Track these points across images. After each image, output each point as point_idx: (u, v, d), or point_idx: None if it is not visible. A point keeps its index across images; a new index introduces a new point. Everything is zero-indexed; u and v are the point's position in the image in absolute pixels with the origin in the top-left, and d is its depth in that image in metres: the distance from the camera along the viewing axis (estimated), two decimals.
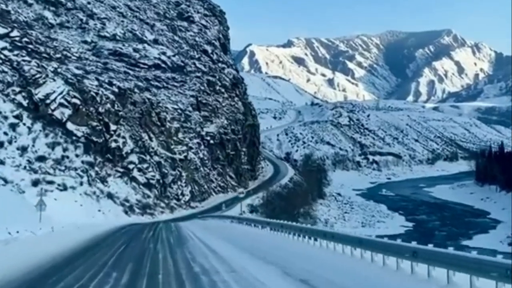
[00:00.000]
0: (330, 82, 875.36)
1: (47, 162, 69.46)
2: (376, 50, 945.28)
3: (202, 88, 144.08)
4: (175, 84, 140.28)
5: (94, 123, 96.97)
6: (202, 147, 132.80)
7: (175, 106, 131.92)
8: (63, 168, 71.59)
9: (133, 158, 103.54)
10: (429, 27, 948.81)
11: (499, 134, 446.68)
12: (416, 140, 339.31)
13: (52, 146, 75.76)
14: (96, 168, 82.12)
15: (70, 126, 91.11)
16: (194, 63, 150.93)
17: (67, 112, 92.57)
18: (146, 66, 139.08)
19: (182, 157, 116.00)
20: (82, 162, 78.89)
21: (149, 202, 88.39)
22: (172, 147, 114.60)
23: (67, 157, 76.00)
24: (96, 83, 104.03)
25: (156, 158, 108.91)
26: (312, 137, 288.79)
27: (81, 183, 67.47)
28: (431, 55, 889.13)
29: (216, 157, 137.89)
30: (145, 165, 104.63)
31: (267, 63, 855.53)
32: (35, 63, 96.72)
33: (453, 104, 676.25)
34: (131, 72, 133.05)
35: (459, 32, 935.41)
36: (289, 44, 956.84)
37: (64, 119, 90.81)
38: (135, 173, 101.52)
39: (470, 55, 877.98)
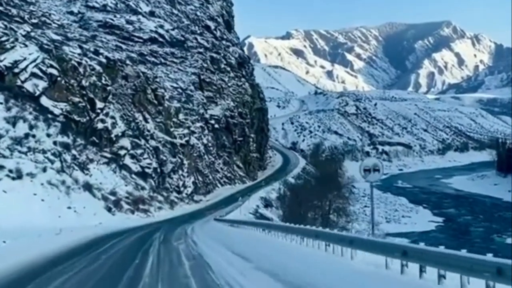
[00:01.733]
0: (329, 74, 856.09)
1: (1, 141, 49.69)
2: (375, 42, 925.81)
3: (205, 65, 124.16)
4: (175, 60, 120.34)
5: (76, 99, 77.61)
6: (206, 131, 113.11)
7: (175, 85, 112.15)
8: (25, 150, 51.82)
9: (125, 142, 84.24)
10: (429, 19, 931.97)
11: (506, 124, 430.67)
12: (425, 130, 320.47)
13: (13, 121, 55.96)
14: (74, 152, 62.35)
15: (45, 101, 71.32)
16: (196, 38, 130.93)
17: (42, 84, 72.63)
18: (141, 40, 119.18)
19: (183, 142, 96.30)
20: (55, 143, 59.09)
21: (143, 195, 68.76)
22: (171, 130, 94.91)
23: (33, 136, 56.24)
24: (79, 51, 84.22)
25: (153, 143, 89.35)
26: (319, 126, 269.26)
27: (45, 169, 47.66)
28: (430, 46, 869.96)
29: (221, 144, 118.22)
30: (139, 151, 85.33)
31: (265, 55, 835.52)
32: (1, 24, 76.67)
33: (454, 96, 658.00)
34: (124, 46, 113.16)
35: (459, 24, 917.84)
36: (287, 36, 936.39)
37: (38, 93, 70.97)
38: (127, 160, 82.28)
39: (470, 47, 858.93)
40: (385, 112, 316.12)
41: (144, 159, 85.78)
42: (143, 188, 71.84)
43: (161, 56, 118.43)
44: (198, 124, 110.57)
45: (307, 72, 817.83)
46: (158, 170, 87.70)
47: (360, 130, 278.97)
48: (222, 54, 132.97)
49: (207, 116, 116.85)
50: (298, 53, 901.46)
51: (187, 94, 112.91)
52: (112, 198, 53.01)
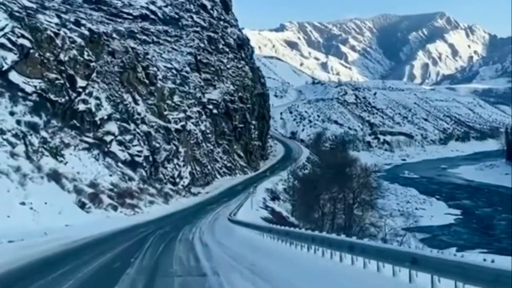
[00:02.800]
0: (324, 66, 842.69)
1: None
2: (369, 33, 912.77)
3: (202, 45, 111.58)
4: (168, 39, 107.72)
5: (52, 75, 65.26)
6: (204, 117, 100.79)
7: (169, 65, 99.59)
8: None
9: (112, 127, 72.21)
10: (422, 10, 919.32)
11: (504, 114, 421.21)
12: (426, 120, 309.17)
13: None
14: (45, 134, 49.87)
15: (15, 77, 58.92)
16: (192, 17, 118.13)
17: (11, 57, 60.00)
18: (130, 17, 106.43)
19: (178, 127, 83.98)
20: (19, 122, 46.66)
21: (131, 187, 56.34)
22: (165, 113, 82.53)
23: None
24: (56, 20, 71.43)
25: (144, 128, 77.15)
26: (318, 116, 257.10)
27: None
28: (424, 38, 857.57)
29: (221, 131, 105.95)
30: (128, 137, 73.35)
31: (259, 48, 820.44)
32: None
33: (449, 87, 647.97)
34: (112, 24, 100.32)
35: (453, 15, 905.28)
36: (281, 28, 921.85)
37: (6, 67, 58.43)
38: (114, 147, 70.31)
39: (464, 38, 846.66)
40: (385, 101, 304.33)
41: (134, 146, 73.68)
42: (131, 179, 59.50)
43: (153, 34, 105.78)
44: (195, 109, 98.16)
45: (301, 64, 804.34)
46: (150, 158, 75.58)
47: (360, 120, 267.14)
48: (220, 34, 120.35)
49: (204, 100, 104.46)
50: (292, 45, 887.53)
51: (182, 76, 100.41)
52: (89, 190, 40.56)
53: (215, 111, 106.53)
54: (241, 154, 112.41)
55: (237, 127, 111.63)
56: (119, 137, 71.96)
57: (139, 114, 77.90)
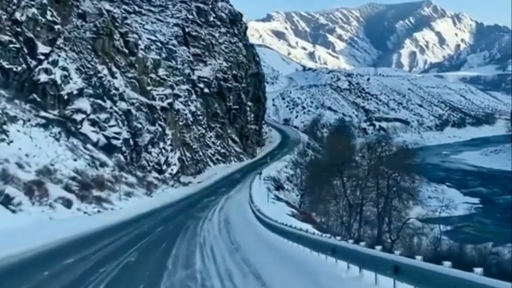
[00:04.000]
0: (311, 56, 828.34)
1: None
2: (356, 23, 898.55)
3: (191, 17, 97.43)
4: (152, 9, 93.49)
5: (5, 38, 51.86)
6: (194, 96, 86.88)
7: (153, 37, 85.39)
8: None
9: (83, 103, 58.79)
10: None
11: (496, 100, 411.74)
12: (420, 106, 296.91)
13: None
14: None
15: None
16: None
17: None
18: None
19: (165, 104, 70.07)
20: None
21: (103, 175, 42.49)
22: (148, 88, 68.56)
23: None
24: None
25: (123, 105, 63.48)
26: (312, 102, 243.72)
27: None
28: (411, 26, 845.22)
29: (213, 113, 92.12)
30: (103, 116, 59.68)
31: None
32: None
33: (437, 74, 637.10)
34: None
35: (439, 3, 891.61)
36: (268, 18, 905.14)
37: None
38: (86, 127, 56.68)
39: (451, 26, 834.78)
40: (378, 87, 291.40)
41: (111, 126, 60.09)
42: (103, 165, 45.56)
43: (134, 3, 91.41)
44: (183, 87, 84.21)
45: (289, 54, 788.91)
46: (131, 141, 61.89)
47: (355, 106, 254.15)
48: (210, 6, 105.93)
49: (194, 77, 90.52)
50: (279, 35, 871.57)
51: (168, 50, 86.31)
52: (29, 178, 26.62)
53: (206, 90, 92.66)
54: (236, 139, 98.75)
55: (231, 108, 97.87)
56: (92, 116, 58.36)
57: (116, 89, 63.93)
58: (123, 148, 59.57)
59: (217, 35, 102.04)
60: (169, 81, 73.74)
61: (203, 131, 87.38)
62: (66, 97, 56.40)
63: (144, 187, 46.48)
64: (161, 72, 72.35)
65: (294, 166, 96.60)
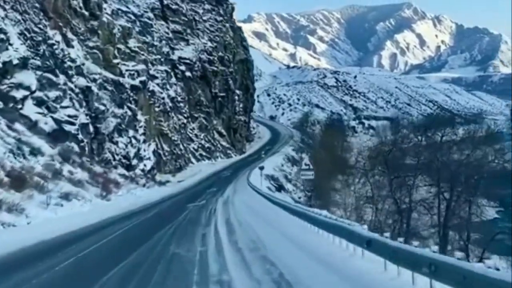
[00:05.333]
0: (292, 57, 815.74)
1: None
2: (337, 24, 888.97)
3: None
4: None
5: None
6: (174, 79, 71.57)
7: (124, 8, 69.62)
8: None
9: (26, 77, 43.31)
10: (390, 1, 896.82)
11: (481, 100, 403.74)
12: (409, 104, 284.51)
13: None
14: None
15: None
16: None
17: None
18: None
19: (136, 83, 54.68)
20: None
21: (33, 168, 27.06)
22: (115, 62, 53.18)
23: None
24: None
25: (81, 82, 48.23)
26: (298, 99, 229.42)
27: None
28: (392, 28, 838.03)
29: (196, 100, 77.00)
30: (53, 93, 44.48)
31: None
32: None
33: (418, 76, 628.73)
34: None
35: (419, 5, 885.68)
36: (249, 19, 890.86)
37: None
38: (29, 107, 41.48)
39: (431, 28, 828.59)
40: (366, 85, 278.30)
41: (63, 107, 44.75)
42: (36, 153, 30.09)
43: None
44: (161, 68, 68.95)
45: (270, 55, 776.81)
46: (90, 128, 46.52)
47: (343, 104, 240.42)
48: None
49: (174, 58, 75.32)
50: (260, 36, 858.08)
51: (143, 23, 70.88)
52: None
53: (188, 73, 77.59)
54: (223, 131, 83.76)
55: (217, 96, 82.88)
56: (39, 94, 43.05)
57: (73, 60, 48.55)
58: (80, 136, 44.26)
59: (200, 11, 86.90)
60: (142, 54, 58.47)
61: (185, 120, 72.25)
62: (1, 66, 41.09)
63: (99, 187, 31.25)
64: (133, 43, 57.10)
65: (291, 164, 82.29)
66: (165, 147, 61.93)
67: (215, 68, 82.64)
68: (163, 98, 63.17)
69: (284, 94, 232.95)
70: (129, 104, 51.88)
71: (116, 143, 48.68)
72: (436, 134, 51.60)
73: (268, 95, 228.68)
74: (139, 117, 53.72)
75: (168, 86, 68.77)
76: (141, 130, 53.42)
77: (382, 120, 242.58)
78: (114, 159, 47.96)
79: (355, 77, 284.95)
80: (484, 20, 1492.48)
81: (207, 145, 78.05)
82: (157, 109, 60.99)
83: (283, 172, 73.65)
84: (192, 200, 32.72)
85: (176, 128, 67.68)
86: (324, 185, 62.65)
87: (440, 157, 38.76)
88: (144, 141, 53.85)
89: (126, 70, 53.75)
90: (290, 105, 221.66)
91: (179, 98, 72.00)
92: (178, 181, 56.28)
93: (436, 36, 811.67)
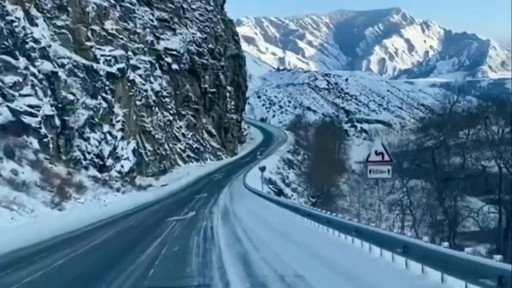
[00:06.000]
0: (281, 61, 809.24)
1: None
2: (326, 29, 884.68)
3: None
4: None
5: None
6: (159, 72, 63.56)
7: None
8: None
9: None
10: (378, 6, 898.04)
11: (471, 104, 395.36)
12: (400, 108, 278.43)
13: None
14: None
15: None
16: None
17: None
18: None
19: (114, 70, 46.57)
20: None
21: None
22: (88, 45, 45.09)
23: None
24: None
25: (46, 66, 40.12)
26: (289, 101, 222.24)
27: None
28: (380, 33, 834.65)
29: (184, 96, 69.17)
30: (10, 78, 36.39)
31: None
32: None
33: (407, 80, 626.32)
34: None
35: (408, 11, 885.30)
36: (238, 23, 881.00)
37: None
38: None
39: (419, 33, 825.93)
40: (357, 87, 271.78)
41: (23, 96, 36.95)
42: None
43: None
44: (145, 58, 60.91)
45: (259, 59, 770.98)
46: (56, 120, 38.49)
47: (334, 106, 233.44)
48: None
49: (159, 48, 67.36)
50: (249, 40, 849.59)
51: (124, 8, 62.68)
52: None
53: (175, 66, 69.69)
54: (213, 131, 75.90)
55: (207, 91, 75.02)
56: None
57: (37, 41, 40.64)
58: (43, 130, 36.32)
59: None
60: (122, 39, 50.47)
61: (171, 118, 64.33)
62: None
63: (54, 192, 23.31)
64: (110, 24, 49.02)
65: (288, 167, 74.68)
66: (148, 146, 53.93)
67: (205, 61, 74.80)
68: (145, 91, 55.19)
69: (275, 96, 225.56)
70: (104, 95, 43.86)
71: (87, 139, 40.69)
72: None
73: (259, 97, 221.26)
74: (117, 110, 45.74)
75: (152, 79, 60.80)
76: (118, 125, 45.42)
77: (374, 123, 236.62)
78: (85, 159, 39.99)
79: (346, 79, 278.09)
80: (473, 25, 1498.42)
81: (195, 145, 70.12)
82: (138, 102, 52.99)
83: (280, 175, 66.08)
84: (176, 211, 24.54)
85: (161, 125, 59.71)
86: (327, 190, 55.35)
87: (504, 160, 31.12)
88: (122, 138, 45.87)
89: (102, 55, 45.75)
90: (281, 107, 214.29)
91: (164, 93, 64.06)
92: (162, 185, 48.37)
93: (425, 41, 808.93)
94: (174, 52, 70.08)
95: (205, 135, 74.16)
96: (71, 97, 40.30)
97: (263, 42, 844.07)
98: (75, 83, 41.66)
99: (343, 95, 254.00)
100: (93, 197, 28.33)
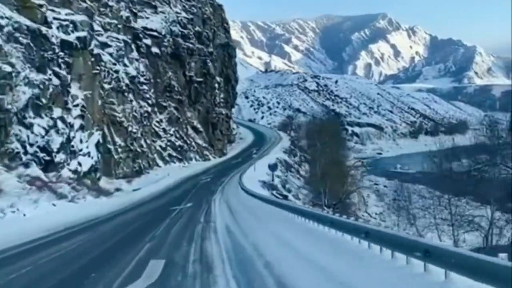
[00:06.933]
0: (267, 65, 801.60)
1: None
2: (312, 33, 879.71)
3: None
4: None
5: None
6: (135, 54, 52.52)
7: None
8: None
9: None
10: (365, 11, 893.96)
11: (460, 110, 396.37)
12: (391, 111, 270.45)
13: None
14: None
15: None
16: None
17: None
18: None
19: (72, 39, 35.18)
20: None
21: None
22: (36, 3, 33.75)
23: None
24: None
25: None
26: (278, 103, 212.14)
27: None
28: (367, 38, 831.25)
29: (165, 84, 58.15)
30: None
31: None
32: None
33: (393, 86, 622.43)
34: None
35: (394, 16, 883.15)
36: None
37: None
38: None
39: (405, 39, 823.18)
40: (348, 90, 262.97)
41: None
42: None
43: None
44: (118, 36, 49.85)
45: (245, 62, 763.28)
46: None
47: (325, 109, 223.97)
48: None
49: (137, 27, 56.33)
50: (235, 44, 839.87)
51: None
52: None
53: (155, 50, 58.74)
54: (199, 127, 64.91)
55: (192, 81, 64.13)
56: None
57: None
58: None
59: None
60: (84, 1, 39.39)
61: (149, 109, 53.33)
62: None
63: None
64: None
65: (286, 169, 64.09)
66: (119, 140, 42.91)
67: (191, 45, 63.91)
68: (116, 72, 44.18)
69: (263, 97, 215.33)
70: (56, 69, 32.81)
71: (29, 126, 29.65)
72: None
73: (246, 97, 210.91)
74: (75, 90, 34.72)
75: (126, 61, 49.80)
76: (76, 111, 34.39)
77: (365, 126, 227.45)
78: (26, 153, 28.89)
79: (336, 82, 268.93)
80: (458, 32, 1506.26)
81: (178, 142, 59.14)
82: (107, 85, 41.98)
83: (279, 178, 55.38)
84: (127, 247, 12.86)
85: (136, 117, 48.71)
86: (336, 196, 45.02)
87: None
88: (82, 128, 34.84)
89: (55, 19, 34.72)
90: (269, 108, 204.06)
91: (142, 79, 53.07)
92: (134, 189, 37.38)
93: (411, 47, 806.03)
94: (155, 33, 59.17)
95: (190, 131, 63.17)
96: (8, 68, 29.23)
97: (249, 46, 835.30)
98: (15, 51, 30.61)
99: (333, 97, 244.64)
100: (9, 207, 17.50)
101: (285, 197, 37.75)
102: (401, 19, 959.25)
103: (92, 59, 37.66)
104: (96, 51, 38.65)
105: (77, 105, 34.45)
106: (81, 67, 35.97)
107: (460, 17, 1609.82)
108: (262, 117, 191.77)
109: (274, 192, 37.79)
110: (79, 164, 32.93)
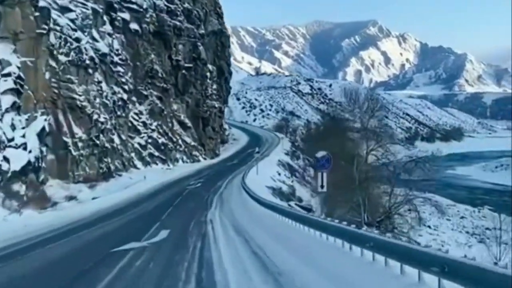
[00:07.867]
0: (258, 71, 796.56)
1: None
2: (302, 39, 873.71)
3: None
4: None
5: None
6: (109, 28, 41.03)
7: None
8: None
9: None
10: (355, 18, 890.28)
11: (453, 117, 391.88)
12: (386, 117, 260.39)
13: None
14: None
15: None
16: None
17: None
18: None
19: (28, 3, 23.63)
20: None
21: None
22: None
23: None
24: None
25: None
26: (271, 105, 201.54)
27: None
28: (357, 45, 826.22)
29: (147, 68, 46.64)
30: None
31: None
32: None
33: (384, 93, 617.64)
34: None
35: (385, 23, 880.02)
36: None
37: None
38: None
39: (396, 46, 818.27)
40: (342, 94, 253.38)
41: None
42: None
43: None
44: (86, 3, 38.66)
45: (236, 66, 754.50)
46: None
47: (319, 112, 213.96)
48: None
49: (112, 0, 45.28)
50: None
51: None
52: None
53: (135, 26, 47.67)
54: (187, 121, 53.82)
55: (180, 66, 53.15)
56: None
57: None
58: None
59: None
60: None
61: (125, 96, 42.24)
62: None
63: None
64: None
65: (290, 173, 53.32)
66: (79, 132, 31.80)
67: (178, 23, 53.03)
68: (77, 41, 33.14)
69: (256, 99, 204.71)
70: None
71: None
72: None
73: (238, 99, 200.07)
74: (4, 54, 23.53)
75: (95, 34, 38.73)
76: (7, 83, 23.26)
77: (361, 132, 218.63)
78: None
79: (330, 85, 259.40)
80: (448, 39, 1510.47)
81: (161, 140, 48.11)
82: (63, 57, 30.92)
83: (284, 184, 44.57)
84: None
85: (108, 104, 37.64)
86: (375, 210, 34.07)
87: None
88: (17, 109, 23.74)
89: None
90: (262, 110, 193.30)
91: (116, 58, 42.03)
92: (93, 197, 26.29)
93: (401, 54, 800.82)
94: (134, 6, 48.20)
95: (176, 127, 52.22)
96: None
97: (239, 52, 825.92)
98: None
99: (327, 101, 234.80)
100: None
101: (309, 210, 26.84)
102: (391, 26, 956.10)
103: (37, 14, 26.54)
104: (42, 3, 27.51)
105: (8, 75, 23.34)
106: (17, 22, 24.87)
107: (451, 24, 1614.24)
108: (255, 120, 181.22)
109: (292, 203, 26.87)
110: (6, 160, 21.80)
